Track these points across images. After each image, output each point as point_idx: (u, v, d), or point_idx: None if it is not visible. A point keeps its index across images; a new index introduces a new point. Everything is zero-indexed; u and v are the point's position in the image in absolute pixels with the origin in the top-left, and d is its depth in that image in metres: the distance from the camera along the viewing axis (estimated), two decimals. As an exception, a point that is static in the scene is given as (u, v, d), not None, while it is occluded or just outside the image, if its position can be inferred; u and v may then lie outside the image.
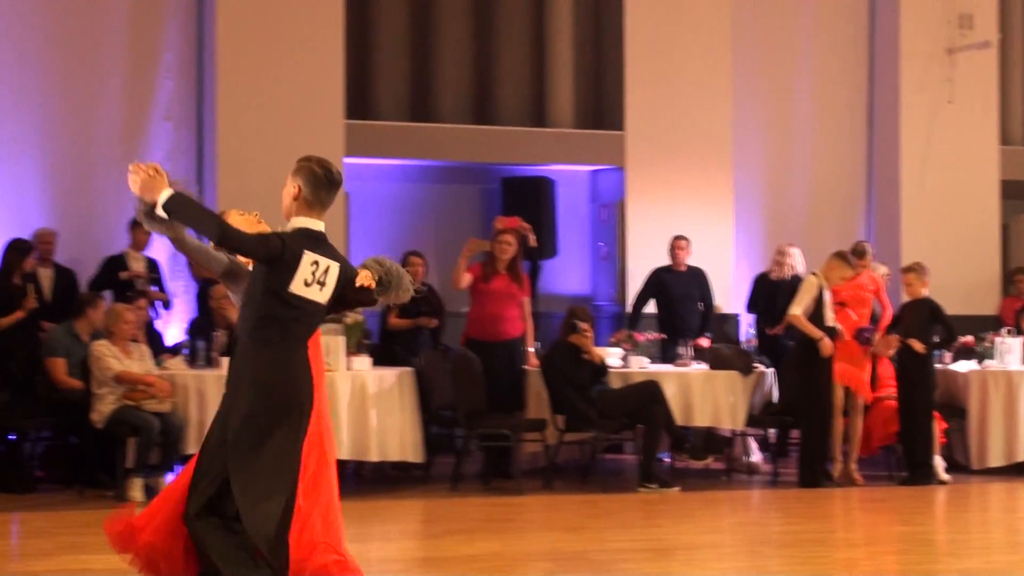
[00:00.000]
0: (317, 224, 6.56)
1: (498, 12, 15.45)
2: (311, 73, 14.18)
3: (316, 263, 6.42)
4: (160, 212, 6.21)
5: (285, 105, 14.02)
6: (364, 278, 6.63)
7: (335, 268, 6.54)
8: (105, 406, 11.09)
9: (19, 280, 12.29)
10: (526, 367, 12.65)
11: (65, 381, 11.54)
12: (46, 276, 12.86)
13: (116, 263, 12.97)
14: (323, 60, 14.27)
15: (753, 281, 14.47)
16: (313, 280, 6.43)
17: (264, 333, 6.34)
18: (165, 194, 6.21)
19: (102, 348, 11.17)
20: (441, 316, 13.39)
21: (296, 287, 6.38)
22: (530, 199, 15.08)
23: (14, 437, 11.95)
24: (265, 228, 7.06)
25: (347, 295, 6.71)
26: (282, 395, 6.35)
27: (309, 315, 6.53)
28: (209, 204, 13.72)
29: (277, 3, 14.13)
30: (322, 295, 6.48)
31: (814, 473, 12.31)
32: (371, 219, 15.07)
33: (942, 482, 12.64)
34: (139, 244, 13.02)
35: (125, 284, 12.86)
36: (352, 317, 11.97)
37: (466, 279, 12.56)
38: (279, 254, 6.35)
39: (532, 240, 12.90)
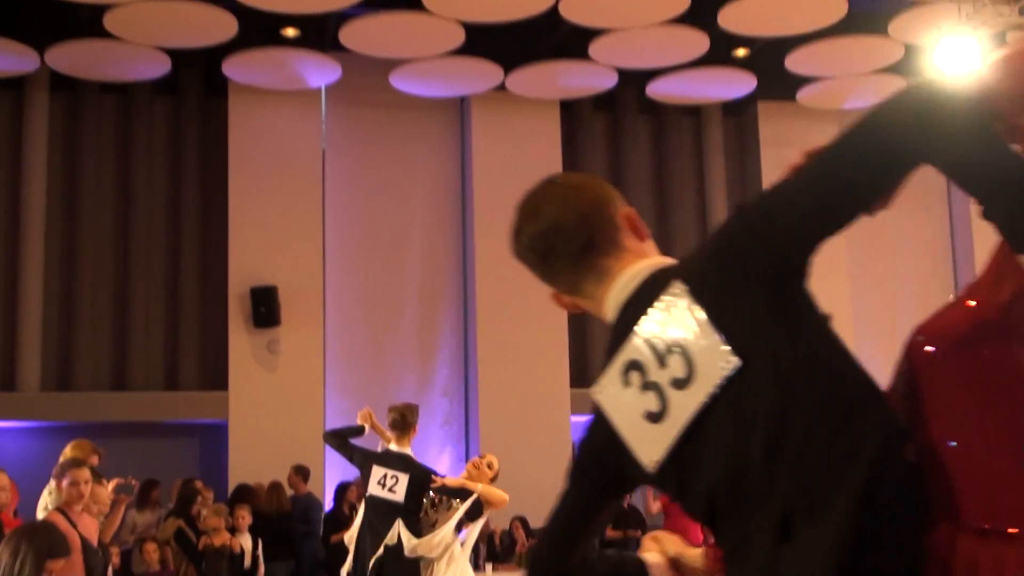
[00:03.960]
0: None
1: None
2: (545, 357, 14.48)
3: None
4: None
5: (525, 379, 14.31)
6: None
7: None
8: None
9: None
10: (711, 565, 12.51)
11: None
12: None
13: None
14: (552, 348, 14.57)
15: None
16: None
17: None
18: None
19: None
20: (643, 528, 13.32)
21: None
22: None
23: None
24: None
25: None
26: None
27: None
28: (473, 450, 14.15)
29: (507, 324, 14.47)
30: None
31: None
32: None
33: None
34: None
35: None
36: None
37: (656, 506, 12.59)
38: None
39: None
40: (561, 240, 2.10)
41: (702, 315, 1.88)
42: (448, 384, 14.74)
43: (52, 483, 7.30)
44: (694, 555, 2.20)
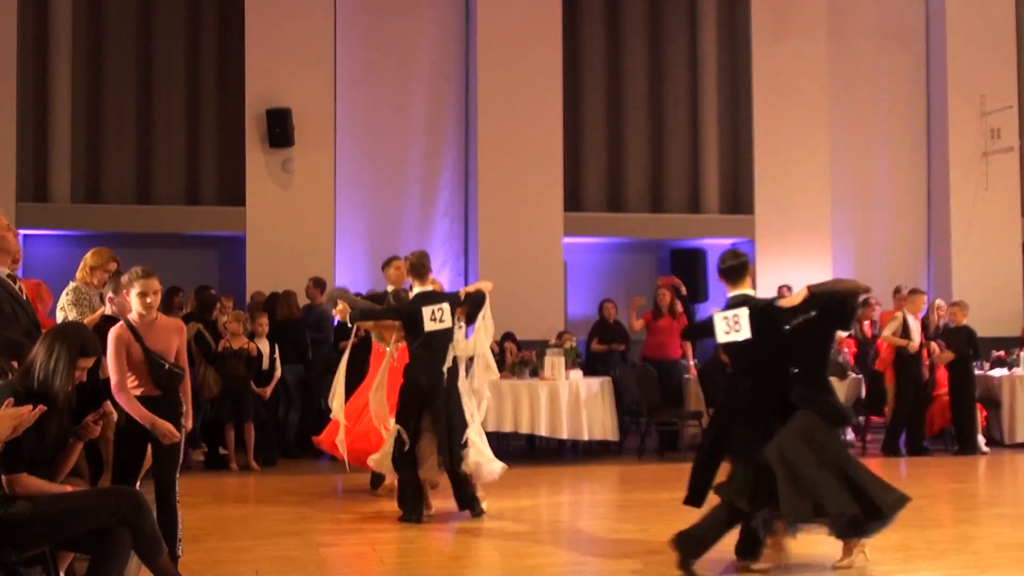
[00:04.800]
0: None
1: (667, 127, 15.58)
2: (540, 182, 14.47)
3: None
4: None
5: (521, 202, 14.34)
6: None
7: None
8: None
9: None
10: (687, 376, 12.75)
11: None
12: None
13: None
14: (548, 174, 14.55)
15: None
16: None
17: None
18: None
19: None
20: (627, 343, 13.57)
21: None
22: (689, 264, 15.18)
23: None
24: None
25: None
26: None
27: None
28: (471, 268, 14.19)
29: (506, 152, 14.42)
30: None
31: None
32: (582, 280, 15.27)
33: (983, 453, 12.43)
34: None
35: None
36: (569, 343, 12.22)
37: (639, 324, 12.75)
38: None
39: (683, 290, 13.02)
40: None
41: None
42: (449, 205, 14.75)
43: (70, 284, 7.30)
44: None
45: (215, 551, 7.13)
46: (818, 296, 6.41)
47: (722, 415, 6.78)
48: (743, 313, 6.54)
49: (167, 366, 5.97)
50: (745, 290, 6.70)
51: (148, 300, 5.96)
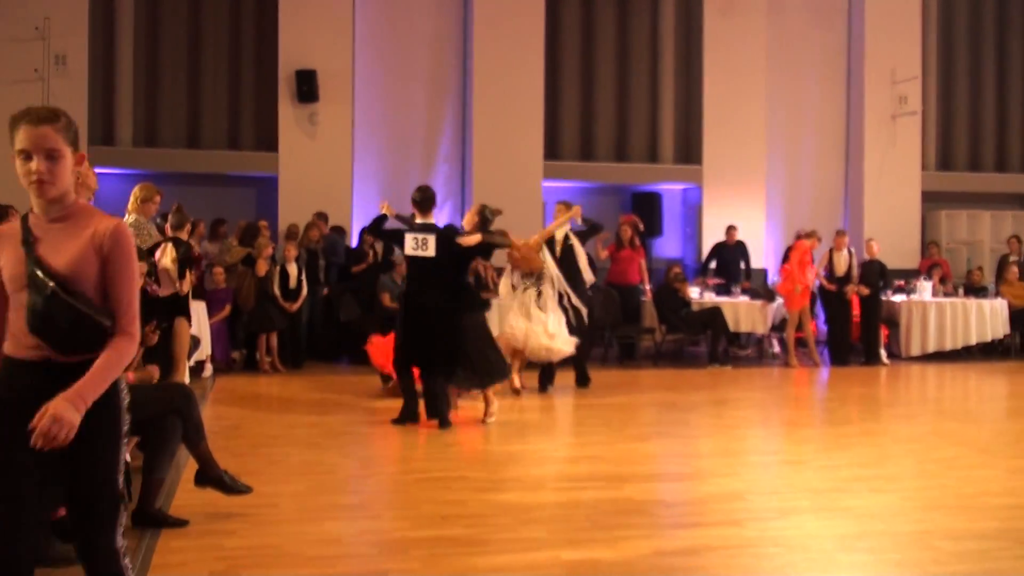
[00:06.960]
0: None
1: (631, 90, 15.43)
2: (525, 135, 14.36)
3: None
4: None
5: (509, 150, 14.25)
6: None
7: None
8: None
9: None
10: (643, 298, 12.76)
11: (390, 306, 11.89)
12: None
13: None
14: (531, 128, 14.43)
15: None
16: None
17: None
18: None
19: None
20: (594, 271, 13.50)
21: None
22: (647, 205, 15.14)
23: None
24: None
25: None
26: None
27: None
28: (467, 206, 14.10)
29: (497, 108, 14.30)
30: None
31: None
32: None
33: (884, 364, 12.53)
34: None
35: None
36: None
37: (604, 253, 12.71)
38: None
39: (641, 227, 12.97)
40: None
41: None
42: (449, 153, 14.62)
43: (129, 218, 7.19)
44: None
45: (254, 436, 7.17)
46: (485, 242, 7.58)
47: (413, 314, 7.55)
48: (431, 238, 7.48)
49: (51, 289, 2.56)
50: (431, 220, 7.66)
51: (32, 167, 2.57)
